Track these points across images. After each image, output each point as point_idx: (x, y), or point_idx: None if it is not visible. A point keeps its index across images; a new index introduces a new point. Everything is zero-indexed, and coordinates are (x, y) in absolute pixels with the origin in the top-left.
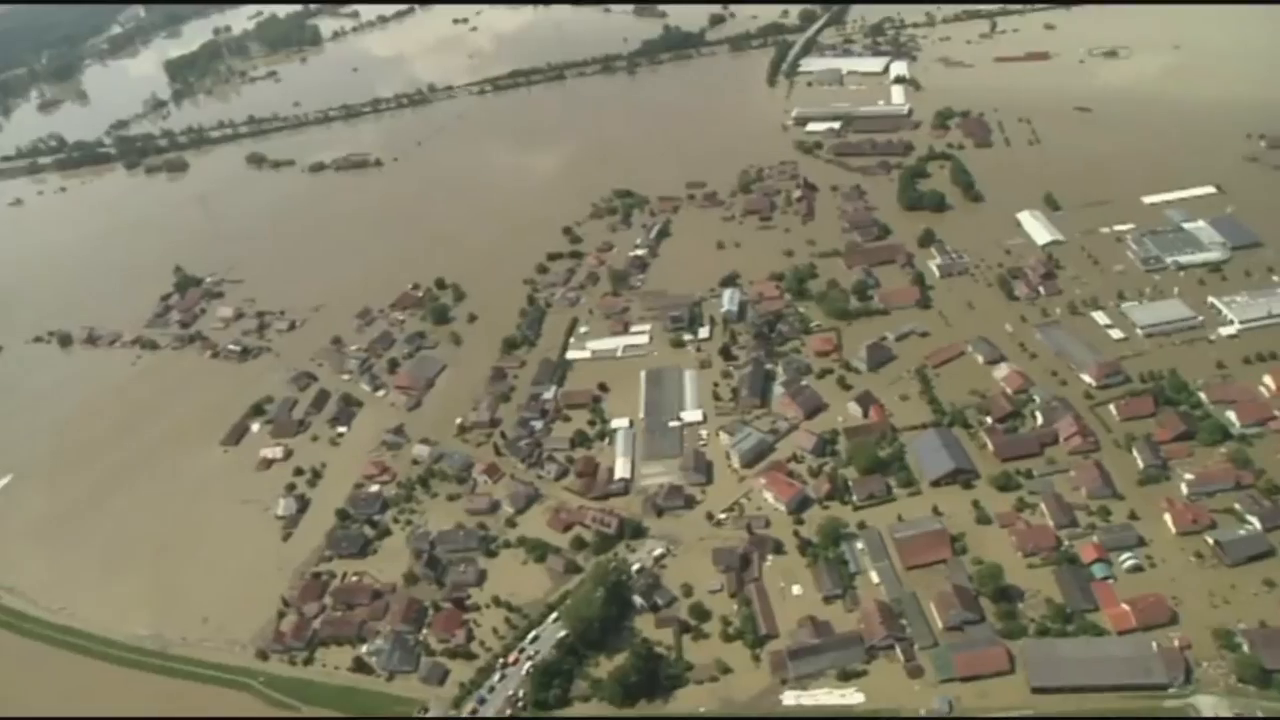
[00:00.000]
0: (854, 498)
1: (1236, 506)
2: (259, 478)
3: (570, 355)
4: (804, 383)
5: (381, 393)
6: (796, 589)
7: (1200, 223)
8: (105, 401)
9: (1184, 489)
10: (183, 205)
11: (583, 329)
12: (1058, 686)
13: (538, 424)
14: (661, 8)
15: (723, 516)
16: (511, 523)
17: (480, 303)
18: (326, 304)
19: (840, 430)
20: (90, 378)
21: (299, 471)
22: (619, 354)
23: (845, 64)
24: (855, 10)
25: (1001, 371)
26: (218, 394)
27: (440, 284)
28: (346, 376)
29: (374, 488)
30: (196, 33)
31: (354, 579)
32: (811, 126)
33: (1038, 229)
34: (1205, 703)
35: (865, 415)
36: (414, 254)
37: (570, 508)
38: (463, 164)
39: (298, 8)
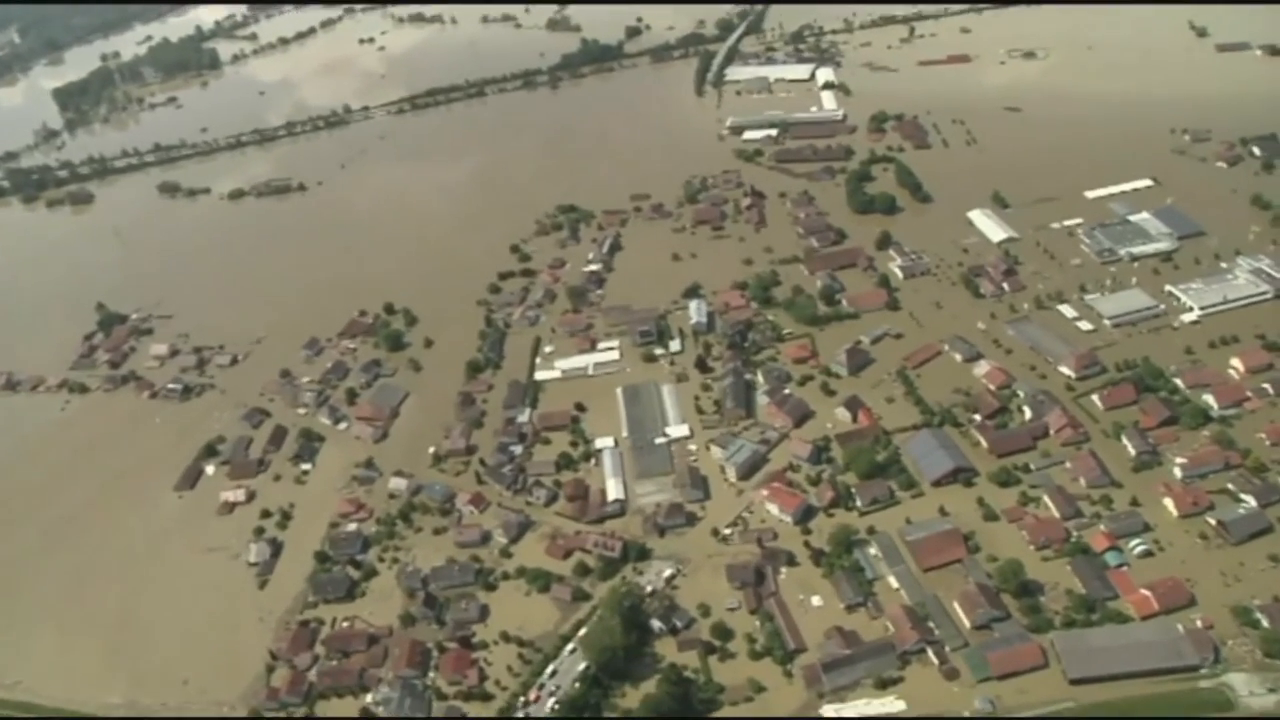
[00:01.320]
0: (858, 503)
1: (1230, 486)
2: (222, 523)
3: (539, 376)
4: (787, 391)
5: (343, 425)
6: (816, 600)
7: (1144, 214)
8: (35, 451)
9: (1178, 473)
10: (94, 239)
11: (548, 348)
12: (1095, 676)
13: (517, 449)
14: (575, 21)
15: (728, 532)
16: (506, 553)
17: (435, 326)
18: (268, 336)
19: (832, 437)
20: (14, 426)
21: (266, 514)
22: (590, 372)
23: (771, 71)
24: (772, 18)
25: (982, 369)
26: (162, 436)
27: (389, 309)
28: (303, 410)
29: (352, 526)
30: (80, 60)
31: (345, 624)
32: (748, 134)
33: (991, 227)
34: (1238, 680)
35: (855, 420)
36: (354, 279)
37: (567, 533)
38: (392, 185)
39: (190, 31)
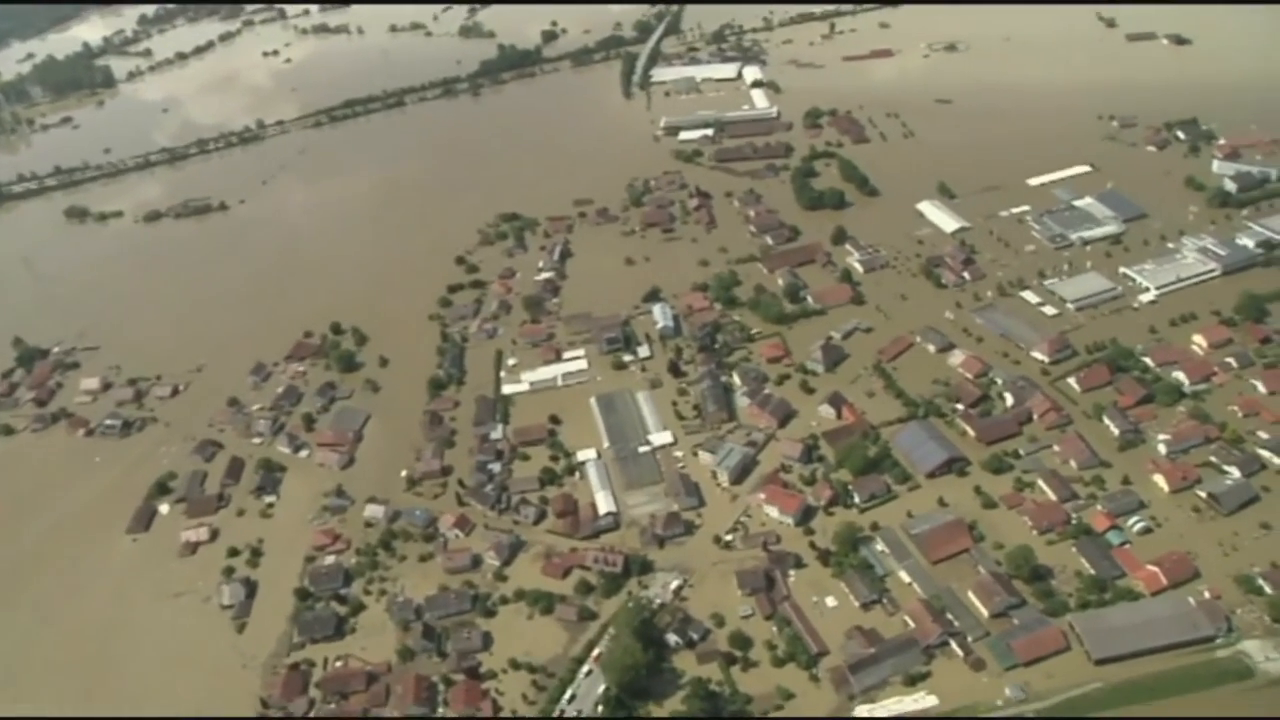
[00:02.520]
0: (856, 500)
1: (1212, 459)
2: (186, 565)
3: (507, 390)
4: (767, 391)
5: (305, 453)
6: (830, 600)
7: (1088, 199)
8: None
9: (1162, 449)
10: None
11: (511, 361)
12: (1118, 655)
13: (496, 466)
14: (488, 27)
15: (729, 537)
16: (501, 576)
17: (387, 344)
18: (209, 363)
19: (819, 435)
20: None
21: (233, 552)
22: (560, 383)
23: (698, 71)
24: (690, 19)
25: (957, 358)
26: (106, 476)
27: (337, 329)
28: (258, 440)
29: (330, 558)
30: None
31: (339, 664)
32: (684, 135)
33: (942, 217)
34: (1252, 647)
35: (839, 416)
36: (294, 299)
37: (562, 551)
38: (321, 200)
39: (77, 49)
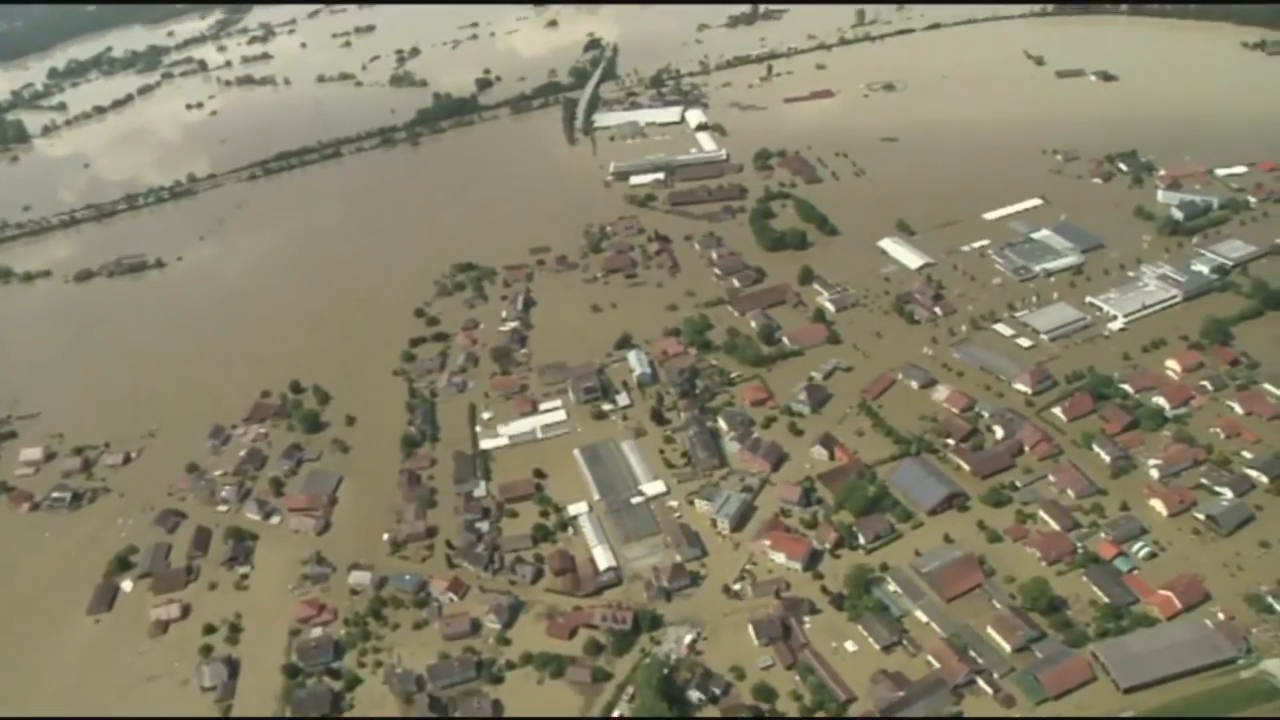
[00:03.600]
0: (862, 541)
1: (1204, 481)
2: (158, 646)
3: (485, 445)
4: (755, 435)
5: (276, 519)
6: (850, 645)
7: (1045, 231)
8: None
9: (1154, 474)
10: None
11: (485, 415)
12: (1146, 683)
13: (483, 525)
14: (420, 76)
15: (737, 586)
16: (503, 640)
17: (352, 402)
18: (161, 428)
19: (813, 477)
20: None
21: (210, 629)
22: (539, 435)
23: (640, 116)
24: (626, 64)
25: (941, 394)
26: (58, 553)
27: (296, 387)
28: (223, 507)
29: (317, 631)
30: None
31: None
32: (634, 179)
33: (906, 254)
34: (1274, 666)
35: (832, 457)
36: (247, 358)
37: (565, 610)
38: (263, 254)
39: None
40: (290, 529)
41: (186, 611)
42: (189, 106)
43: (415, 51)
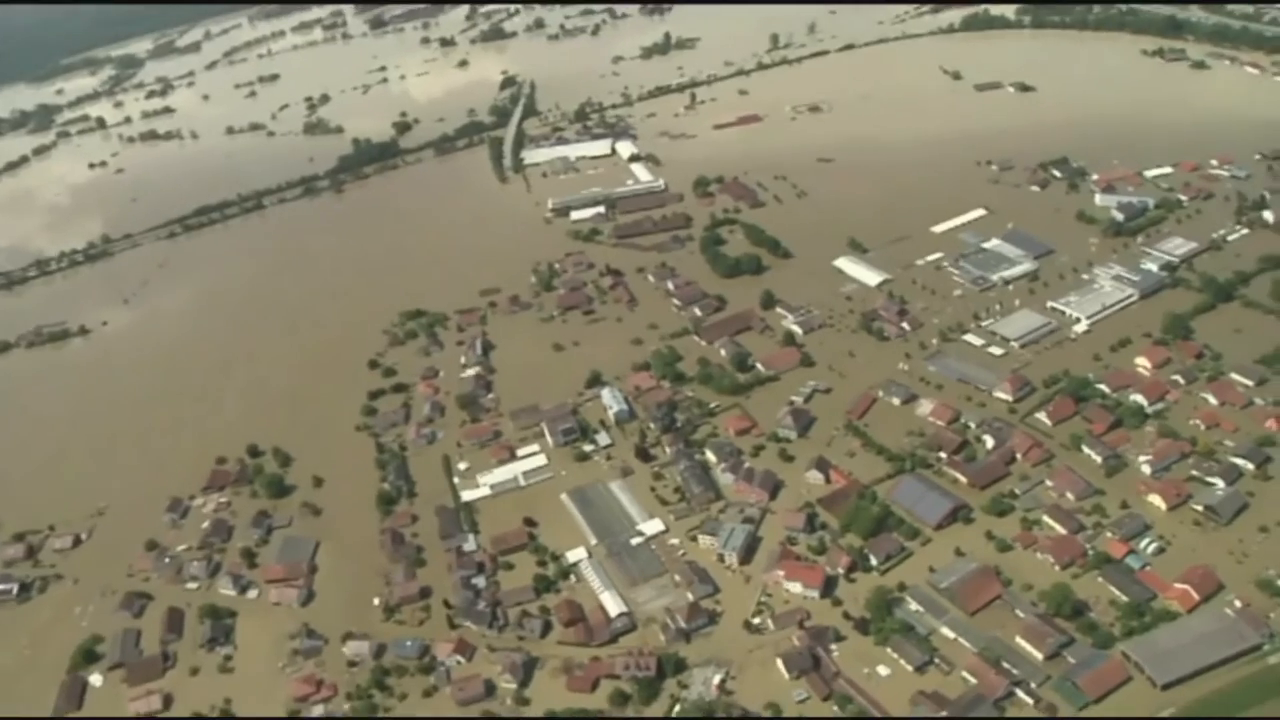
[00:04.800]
0: (874, 563)
1: (1194, 473)
2: None
3: (466, 496)
4: (747, 464)
5: (253, 593)
6: (882, 669)
7: (995, 241)
8: None
9: (1147, 470)
10: None
11: (462, 465)
12: (1181, 677)
13: (480, 581)
14: (335, 123)
15: (757, 620)
16: (522, 699)
17: (317, 462)
18: (110, 505)
19: (813, 501)
20: None
21: (199, 718)
22: (522, 483)
23: (570, 150)
24: (548, 99)
25: (925, 408)
26: (12, 651)
27: (254, 451)
28: (193, 585)
29: (317, 709)
30: None
31: None
32: (575, 214)
33: (863, 272)
34: None
35: (828, 481)
36: (192, 424)
37: (583, 662)
38: (195, 314)
39: None
40: (270, 602)
41: (169, 702)
42: (92, 165)
43: (325, 99)
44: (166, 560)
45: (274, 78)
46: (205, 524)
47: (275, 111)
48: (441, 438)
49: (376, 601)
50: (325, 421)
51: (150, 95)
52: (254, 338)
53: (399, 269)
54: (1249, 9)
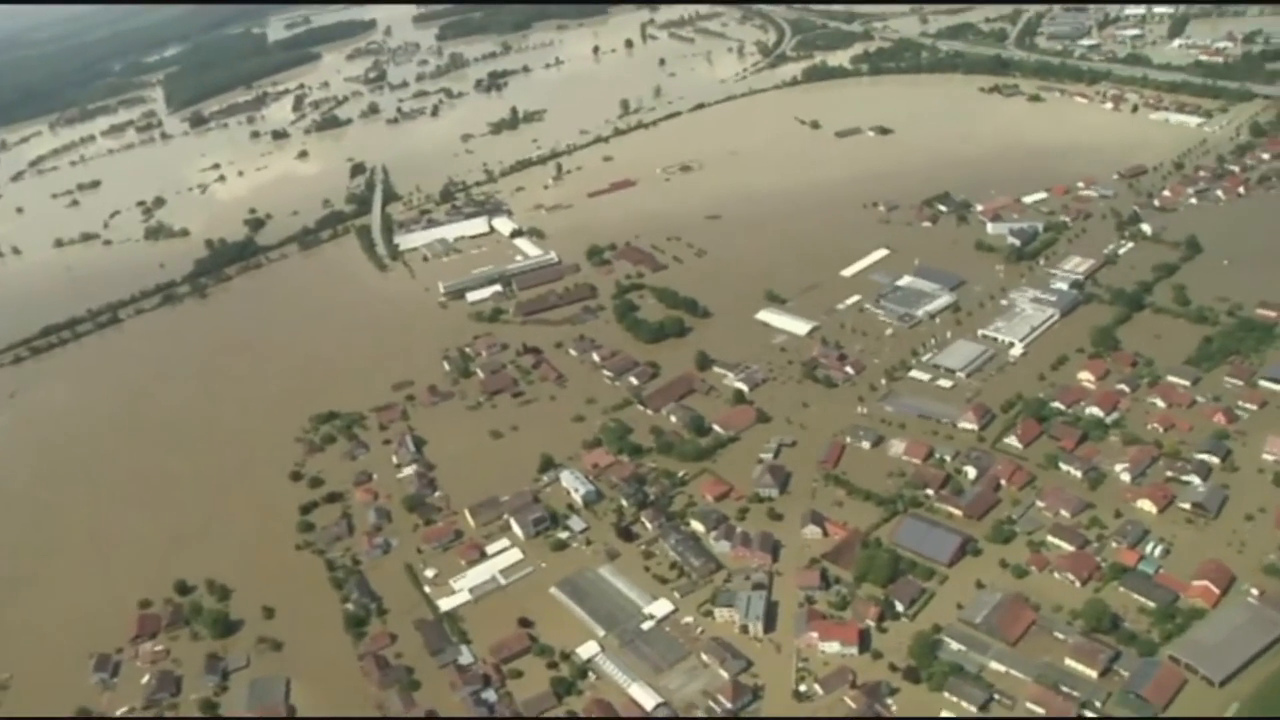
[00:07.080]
0: (900, 609)
1: (1169, 474)
2: None
3: (445, 605)
4: (739, 529)
5: None
6: (946, 714)
7: (908, 278)
8: None
9: (1126, 478)
10: None
11: (429, 572)
12: (1233, 672)
13: (490, 695)
14: (180, 226)
15: (803, 688)
16: None
17: (261, 591)
18: (18, 669)
19: (817, 557)
20: None
21: None
22: (503, 582)
23: (447, 231)
24: (405, 183)
25: (898, 448)
26: None
27: (184, 588)
28: None
29: None
30: None
31: None
32: (472, 296)
33: (789, 322)
34: None
35: (825, 534)
36: (98, 566)
37: None
38: (65, 445)
39: None
40: None
41: None
42: None
43: (160, 201)
44: None
45: (95, 184)
46: (145, 679)
47: (107, 219)
48: (397, 545)
49: None
50: (257, 545)
51: None
52: (145, 461)
53: (296, 371)
54: (1057, 45)
